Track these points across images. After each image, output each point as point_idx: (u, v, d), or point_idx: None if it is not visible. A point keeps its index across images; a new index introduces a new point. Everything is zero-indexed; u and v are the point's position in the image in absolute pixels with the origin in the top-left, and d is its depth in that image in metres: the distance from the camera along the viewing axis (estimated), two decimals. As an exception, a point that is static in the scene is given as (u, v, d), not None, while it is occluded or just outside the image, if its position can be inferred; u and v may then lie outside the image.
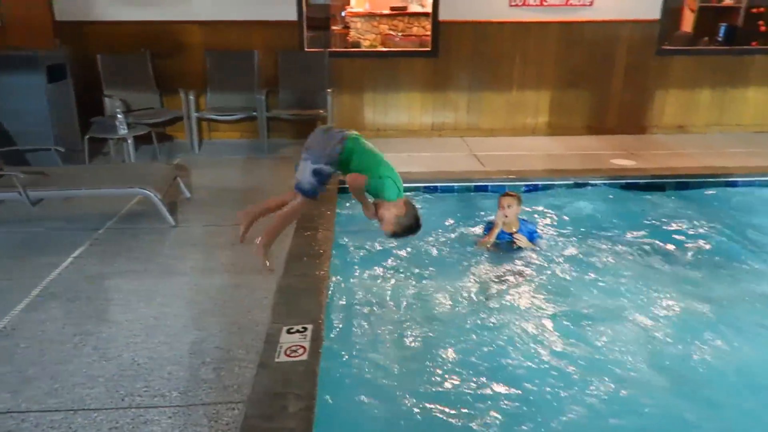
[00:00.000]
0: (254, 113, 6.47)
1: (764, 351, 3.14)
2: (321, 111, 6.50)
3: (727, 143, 6.90)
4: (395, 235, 3.08)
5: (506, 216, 4.06)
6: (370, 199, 3.13)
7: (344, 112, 7.07)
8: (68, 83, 5.75)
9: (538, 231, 4.33)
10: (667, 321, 3.38)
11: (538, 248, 4.16)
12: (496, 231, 4.10)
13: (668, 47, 7.29)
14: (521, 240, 4.11)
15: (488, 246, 4.13)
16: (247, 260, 3.85)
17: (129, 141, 5.58)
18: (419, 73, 7.06)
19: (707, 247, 4.33)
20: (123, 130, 5.49)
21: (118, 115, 5.49)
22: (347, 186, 3.11)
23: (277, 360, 2.70)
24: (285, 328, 2.95)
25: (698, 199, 5.25)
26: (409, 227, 3.06)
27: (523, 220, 4.27)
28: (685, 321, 3.37)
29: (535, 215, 4.78)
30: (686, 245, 4.38)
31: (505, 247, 4.13)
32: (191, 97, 6.34)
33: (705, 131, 7.45)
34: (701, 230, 4.62)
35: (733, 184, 5.50)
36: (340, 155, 3.03)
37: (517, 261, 4.02)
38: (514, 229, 4.13)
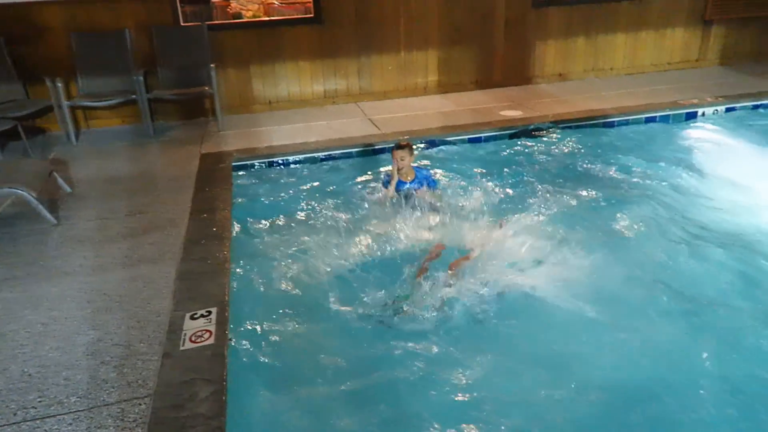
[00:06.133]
0: (134, 96, 6.07)
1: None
2: (206, 88, 6.21)
3: (603, 87, 7.34)
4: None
5: (400, 168, 4.21)
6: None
7: (232, 88, 6.81)
8: None
9: (434, 177, 4.48)
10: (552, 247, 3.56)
11: (438, 191, 4.35)
12: (394, 182, 4.25)
13: (543, -1, 7.56)
14: (424, 193, 4.24)
15: (391, 197, 4.25)
16: (142, 250, 3.66)
17: (-8, 138, 5.08)
18: (305, 42, 6.90)
19: (592, 184, 4.63)
20: (-19, 127, 4.99)
21: (-26, 111, 4.96)
22: None
23: (182, 348, 2.61)
24: (188, 315, 2.86)
25: (580, 140, 5.57)
26: None
27: (417, 167, 4.44)
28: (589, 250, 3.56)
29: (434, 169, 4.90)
30: (575, 182, 4.66)
31: (404, 195, 4.26)
32: (59, 85, 5.81)
33: (583, 77, 7.88)
34: (588, 167, 4.94)
35: (610, 124, 5.90)
36: None
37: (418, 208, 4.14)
38: (410, 178, 4.28)
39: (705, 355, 2.74)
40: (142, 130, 6.28)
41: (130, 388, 2.43)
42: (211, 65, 6.13)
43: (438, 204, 4.18)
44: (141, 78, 6.01)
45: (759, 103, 6.28)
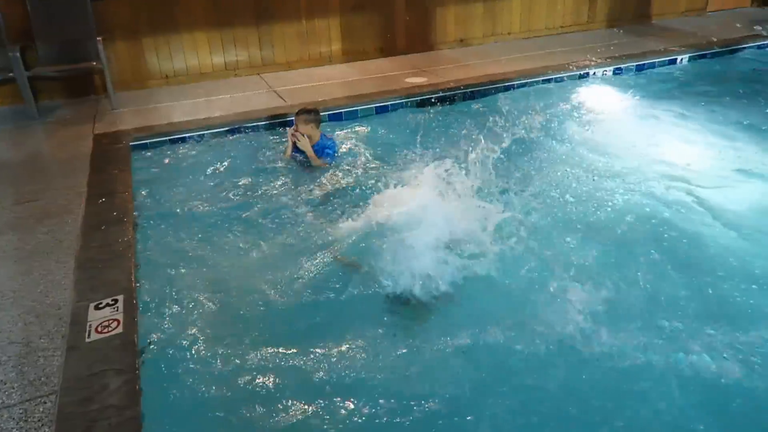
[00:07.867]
0: (11, 74, 5.55)
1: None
2: (94, 63, 5.78)
3: (502, 51, 7.55)
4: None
5: (296, 130, 4.38)
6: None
7: (123, 62, 6.38)
8: None
9: (336, 147, 4.55)
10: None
11: (325, 163, 4.43)
12: (290, 144, 4.47)
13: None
14: (302, 141, 4.37)
15: (288, 156, 4.52)
16: (35, 241, 3.41)
17: None
18: (200, 10, 6.55)
19: (495, 148, 4.75)
20: None
21: None
22: None
23: (88, 340, 2.49)
24: (92, 305, 2.72)
25: (483, 105, 5.72)
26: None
27: (324, 135, 4.55)
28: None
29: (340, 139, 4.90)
30: (478, 147, 4.76)
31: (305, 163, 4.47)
32: None
33: (483, 42, 8.07)
34: (492, 131, 5.05)
35: (510, 88, 6.10)
36: None
37: (322, 178, 4.27)
38: (313, 141, 4.42)
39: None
40: (24, 111, 5.77)
41: (32, 387, 2.28)
42: (98, 38, 5.71)
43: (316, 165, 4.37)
44: (17, 54, 5.50)
45: (644, 62, 6.71)
